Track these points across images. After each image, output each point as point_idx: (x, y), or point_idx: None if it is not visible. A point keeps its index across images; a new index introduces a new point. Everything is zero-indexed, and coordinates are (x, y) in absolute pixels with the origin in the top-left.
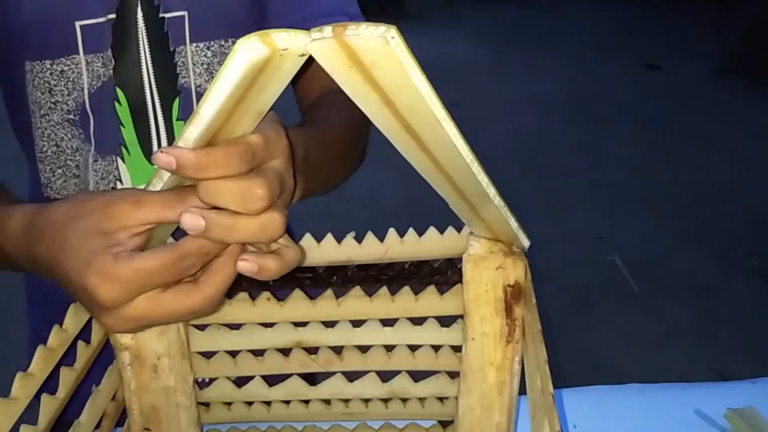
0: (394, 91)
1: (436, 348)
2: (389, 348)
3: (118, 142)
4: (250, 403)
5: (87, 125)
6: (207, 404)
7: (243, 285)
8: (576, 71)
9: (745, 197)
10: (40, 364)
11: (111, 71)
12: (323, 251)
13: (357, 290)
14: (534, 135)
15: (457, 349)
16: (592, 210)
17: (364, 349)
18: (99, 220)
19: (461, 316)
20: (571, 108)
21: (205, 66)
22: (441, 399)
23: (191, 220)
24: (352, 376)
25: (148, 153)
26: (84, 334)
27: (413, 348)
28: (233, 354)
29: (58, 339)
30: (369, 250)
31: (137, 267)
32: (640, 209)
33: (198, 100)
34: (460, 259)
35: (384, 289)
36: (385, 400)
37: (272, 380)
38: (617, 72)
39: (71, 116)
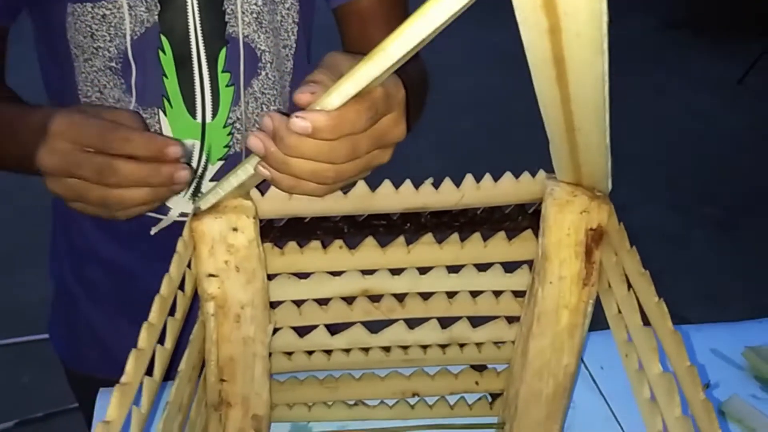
0: (570, 13)
1: (497, 294)
2: (450, 295)
3: (161, 94)
4: (310, 353)
5: (128, 75)
6: (269, 354)
7: (318, 233)
8: None
9: (694, 147)
10: (158, 312)
11: (156, 17)
12: (400, 197)
13: (428, 237)
14: (493, 86)
15: (518, 294)
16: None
17: (426, 296)
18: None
19: (526, 262)
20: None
21: (254, 15)
22: (497, 343)
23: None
24: (412, 323)
25: (190, 106)
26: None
27: (474, 294)
28: (298, 303)
29: (168, 288)
30: (445, 196)
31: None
32: None
33: (246, 51)
34: (531, 205)
35: (454, 236)
36: (443, 346)
37: (333, 328)
38: None
39: (113, 64)
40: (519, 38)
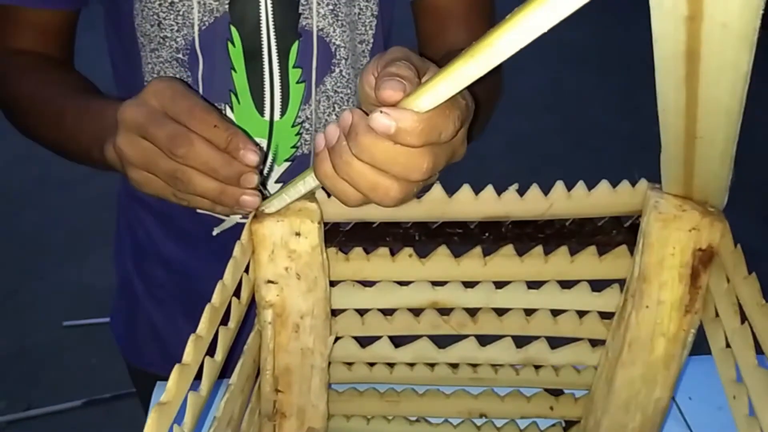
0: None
1: (581, 314)
2: (528, 312)
3: (228, 89)
4: (372, 364)
5: (196, 67)
6: (329, 363)
7: (386, 239)
8: (611, 20)
9: None
10: (207, 324)
11: (226, 6)
12: (480, 204)
13: (508, 249)
14: (570, 86)
15: (605, 315)
16: (631, 164)
17: (500, 312)
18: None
19: (618, 281)
20: (605, 59)
21: (330, 7)
22: (576, 368)
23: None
24: (483, 340)
25: (259, 102)
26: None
27: (555, 313)
28: (361, 312)
29: (221, 296)
30: (531, 204)
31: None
32: None
33: (319, 46)
34: (627, 218)
35: (537, 249)
36: (516, 367)
37: (397, 341)
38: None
39: (180, 55)
40: (599, 33)
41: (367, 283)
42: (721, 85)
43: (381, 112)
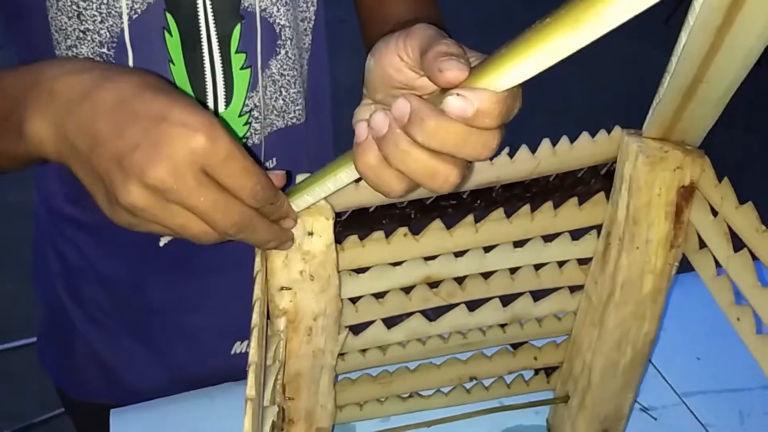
0: None
1: (561, 264)
2: (513, 271)
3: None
4: (364, 350)
5: (124, 62)
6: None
7: (383, 222)
8: None
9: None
10: (257, 348)
11: None
12: (475, 173)
13: (497, 213)
14: None
15: (581, 261)
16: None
17: (487, 275)
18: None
19: (595, 227)
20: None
21: None
22: (558, 316)
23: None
24: (472, 306)
25: (201, 94)
26: None
27: (538, 267)
28: (354, 300)
29: (259, 313)
30: (521, 165)
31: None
32: None
33: (263, 27)
34: (602, 166)
35: (525, 209)
36: (503, 326)
37: (388, 321)
38: None
39: (104, 50)
40: None
41: (361, 270)
42: (753, 32)
43: (458, 94)
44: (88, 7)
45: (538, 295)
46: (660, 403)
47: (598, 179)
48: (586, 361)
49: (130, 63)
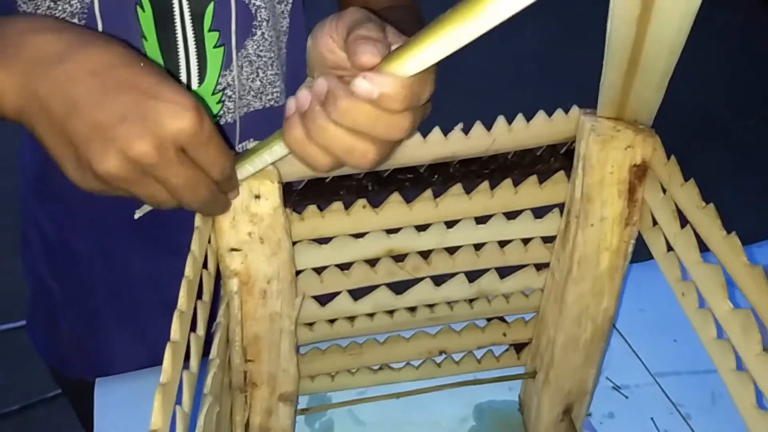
0: None
1: (525, 242)
2: (478, 247)
3: None
4: (332, 321)
5: None
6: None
7: (340, 193)
8: None
9: None
10: (186, 298)
11: None
12: (429, 147)
13: (456, 188)
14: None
15: (547, 240)
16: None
17: (452, 251)
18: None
19: (557, 205)
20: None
21: None
22: (525, 293)
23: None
24: (438, 280)
25: (174, 70)
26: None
27: (503, 244)
28: (319, 271)
29: (194, 268)
30: (476, 142)
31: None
32: None
33: (238, 7)
34: (562, 145)
35: (484, 185)
36: (471, 301)
37: (356, 293)
38: None
39: (75, 20)
40: None
41: (324, 240)
42: (672, 24)
43: (363, 78)
44: None
45: (506, 273)
46: (633, 382)
47: (557, 158)
48: (550, 337)
49: None
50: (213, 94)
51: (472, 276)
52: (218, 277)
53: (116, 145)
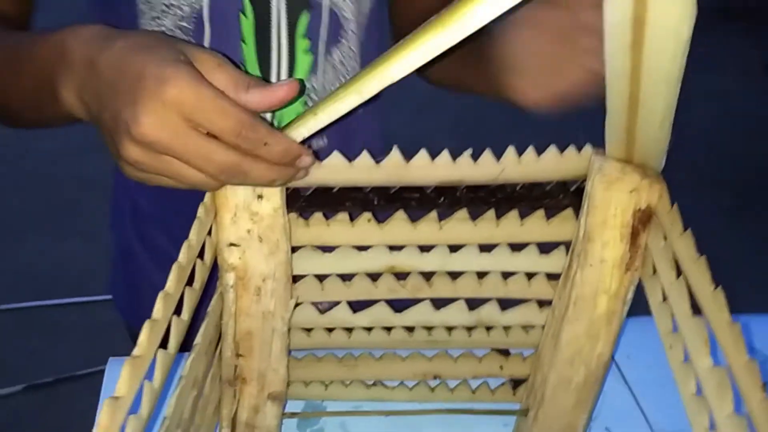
0: None
1: (530, 276)
2: (481, 275)
3: (239, 60)
4: (330, 330)
5: (201, 37)
6: (287, 329)
7: (345, 204)
8: None
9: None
10: (175, 282)
11: None
12: (437, 169)
13: (461, 213)
14: None
15: (552, 277)
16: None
17: (454, 275)
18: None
19: (564, 243)
20: None
21: None
22: (525, 328)
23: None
24: (438, 304)
25: (265, 72)
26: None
27: (506, 275)
28: (320, 278)
29: (188, 256)
30: (484, 169)
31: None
32: None
33: (330, 18)
34: (573, 182)
35: (490, 213)
36: (469, 329)
37: (355, 306)
38: None
39: (184, 23)
40: None
41: (327, 249)
42: (665, 53)
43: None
44: None
45: (508, 306)
46: None
47: (566, 195)
48: (544, 375)
49: (206, 38)
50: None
51: (473, 304)
52: (215, 268)
53: (125, 132)
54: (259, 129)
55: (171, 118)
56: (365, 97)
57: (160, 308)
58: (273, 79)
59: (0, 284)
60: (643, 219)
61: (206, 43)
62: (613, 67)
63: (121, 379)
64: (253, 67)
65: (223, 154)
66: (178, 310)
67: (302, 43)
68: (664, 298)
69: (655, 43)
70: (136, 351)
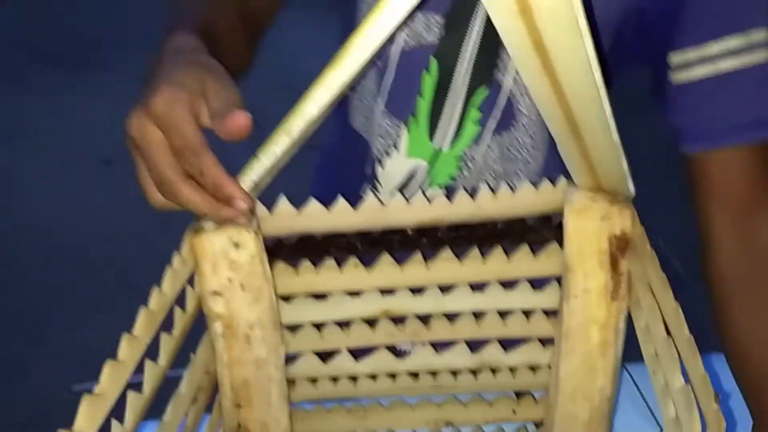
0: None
1: (528, 313)
2: (478, 315)
3: (411, 111)
4: (335, 380)
5: (382, 75)
6: (293, 381)
7: (330, 250)
8: None
9: None
10: (144, 326)
11: (435, 39)
12: (413, 210)
13: (447, 253)
14: None
15: (550, 313)
16: None
17: (452, 317)
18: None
19: (556, 278)
20: None
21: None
22: (532, 368)
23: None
24: (439, 348)
25: (433, 128)
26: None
27: (503, 314)
28: (318, 327)
29: (158, 302)
30: (462, 208)
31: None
32: None
33: (505, 103)
34: (558, 216)
35: (475, 251)
36: (474, 372)
37: (357, 354)
38: None
39: (377, 61)
40: None
41: (321, 296)
42: (575, 72)
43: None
44: None
45: (513, 346)
46: None
47: (549, 228)
48: (551, 416)
49: (388, 80)
50: (456, 159)
51: (475, 345)
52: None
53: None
54: (202, 157)
55: (144, 122)
56: (294, 137)
57: (125, 350)
58: (437, 137)
59: (69, 366)
60: (621, 246)
61: (386, 82)
62: (537, 92)
63: (79, 415)
64: (423, 121)
65: (167, 166)
66: (150, 355)
67: (474, 114)
68: (647, 324)
69: (563, 65)
70: (97, 389)
